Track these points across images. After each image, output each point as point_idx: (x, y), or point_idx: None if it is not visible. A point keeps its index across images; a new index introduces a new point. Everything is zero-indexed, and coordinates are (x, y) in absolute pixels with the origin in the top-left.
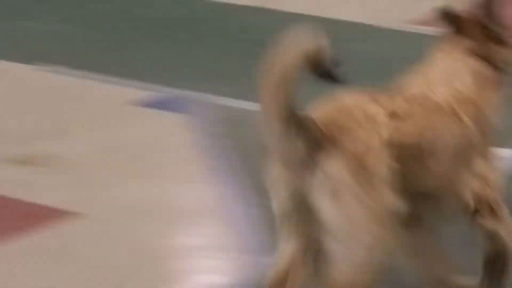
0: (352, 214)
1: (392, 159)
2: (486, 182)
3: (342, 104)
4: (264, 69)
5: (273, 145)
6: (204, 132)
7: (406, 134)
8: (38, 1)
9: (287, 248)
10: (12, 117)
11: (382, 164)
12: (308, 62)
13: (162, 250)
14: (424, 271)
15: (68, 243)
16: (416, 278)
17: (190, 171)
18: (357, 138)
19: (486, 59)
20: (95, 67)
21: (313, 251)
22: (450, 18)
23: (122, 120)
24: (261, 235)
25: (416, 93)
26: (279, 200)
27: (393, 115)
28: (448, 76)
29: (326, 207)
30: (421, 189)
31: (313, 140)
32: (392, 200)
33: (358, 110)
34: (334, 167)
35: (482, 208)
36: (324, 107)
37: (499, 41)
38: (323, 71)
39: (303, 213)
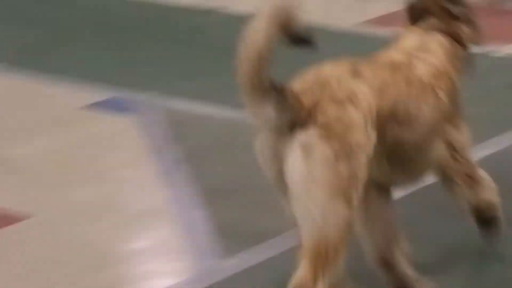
0: (317, 176)
1: (370, 126)
2: (458, 150)
3: (321, 74)
4: (241, 41)
5: (252, 114)
6: (155, 134)
7: (384, 100)
8: None
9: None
10: None
11: (359, 132)
12: (280, 26)
13: (112, 253)
14: (374, 247)
15: (15, 244)
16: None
17: (141, 173)
18: (334, 107)
19: (452, 36)
20: (44, 68)
21: None
22: (414, 3)
23: (72, 122)
24: (211, 238)
25: (394, 62)
26: (265, 167)
27: (371, 84)
28: (423, 50)
29: (295, 168)
30: (396, 156)
31: (289, 109)
32: (363, 169)
33: (336, 80)
34: (309, 135)
35: (457, 175)
36: (303, 77)
37: (463, 19)
38: (296, 36)
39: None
